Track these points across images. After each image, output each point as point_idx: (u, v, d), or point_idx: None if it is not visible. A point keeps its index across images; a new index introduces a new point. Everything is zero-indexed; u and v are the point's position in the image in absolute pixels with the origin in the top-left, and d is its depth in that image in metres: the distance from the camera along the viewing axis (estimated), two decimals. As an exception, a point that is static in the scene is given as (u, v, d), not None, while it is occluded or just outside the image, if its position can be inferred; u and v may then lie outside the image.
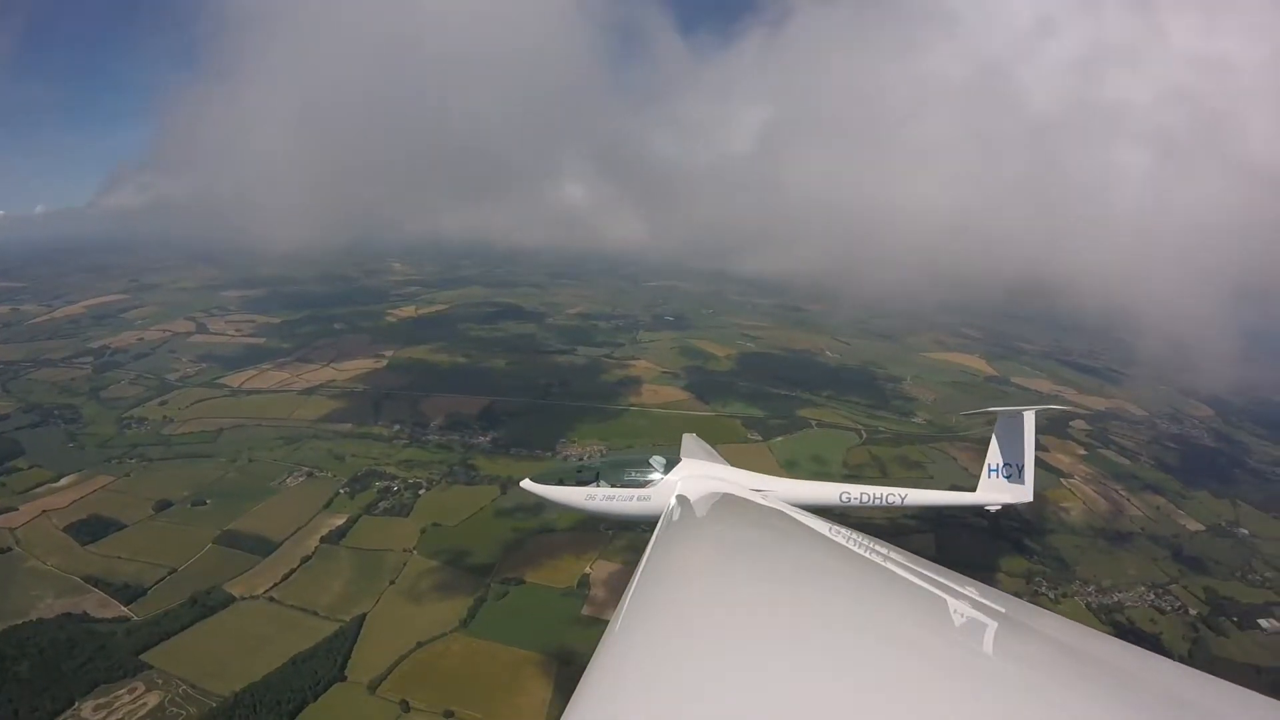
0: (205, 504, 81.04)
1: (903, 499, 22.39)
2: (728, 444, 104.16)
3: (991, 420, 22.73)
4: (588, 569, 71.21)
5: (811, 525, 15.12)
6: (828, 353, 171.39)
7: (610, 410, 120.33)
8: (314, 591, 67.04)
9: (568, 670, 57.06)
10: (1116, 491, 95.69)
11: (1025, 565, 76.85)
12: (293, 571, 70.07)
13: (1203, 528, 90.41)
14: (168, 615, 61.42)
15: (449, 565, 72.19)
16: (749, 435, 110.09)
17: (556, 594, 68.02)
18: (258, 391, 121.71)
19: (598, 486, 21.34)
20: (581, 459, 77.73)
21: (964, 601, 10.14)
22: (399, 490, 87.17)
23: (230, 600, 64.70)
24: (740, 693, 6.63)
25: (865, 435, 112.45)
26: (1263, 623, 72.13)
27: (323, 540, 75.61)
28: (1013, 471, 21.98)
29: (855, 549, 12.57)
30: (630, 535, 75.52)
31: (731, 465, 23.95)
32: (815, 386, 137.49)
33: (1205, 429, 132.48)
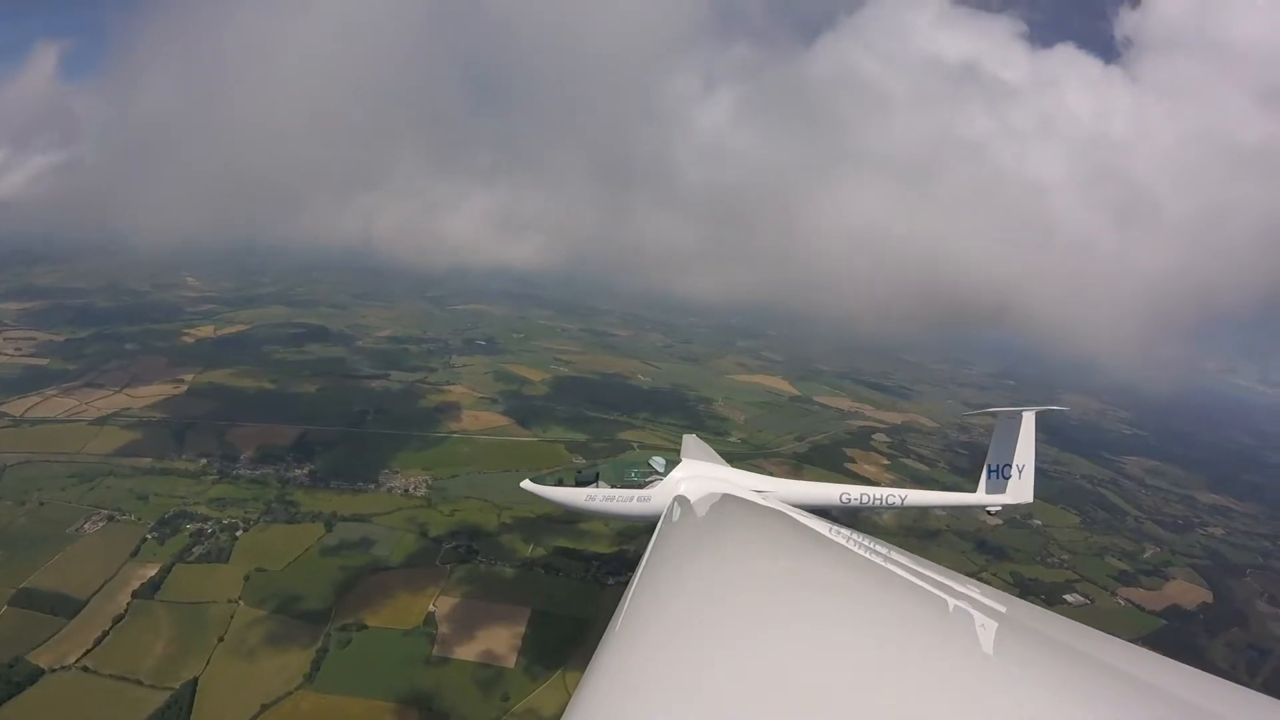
0: (-9, 558, 72.93)
1: (903, 500, 23.16)
2: (555, 468, 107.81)
3: (995, 420, 24.19)
4: (431, 606, 71.40)
5: (812, 526, 15.45)
6: (640, 376, 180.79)
7: (431, 438, 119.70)
8: (134, 656, 62.71)
9: (429, 716, 58.27)
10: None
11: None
12: (105, 634, 65.05)
13: (1000, 522, 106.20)
14: (-33, 699, 55.61)
15: (280, 614, 69.82)
16: (574, 459, 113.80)
17: (401, 635, 67.65)
18: (43, 421, 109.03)
19: (598, 487, 21.51)
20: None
21: (964, 602, 10.41)
22: (214, 532, 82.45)
23: (38, 674, 59.27)
24: (741, 694, 6.76)
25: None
26: (1068, 598, 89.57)
27: (135, 595, 70.45)
28: (1013, 472, 23.28)
29: (855, 549, 12.91)
30: (468, 567, 77.70)
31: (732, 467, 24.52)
32: (631, 409, 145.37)
33: (990, 436, 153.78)
